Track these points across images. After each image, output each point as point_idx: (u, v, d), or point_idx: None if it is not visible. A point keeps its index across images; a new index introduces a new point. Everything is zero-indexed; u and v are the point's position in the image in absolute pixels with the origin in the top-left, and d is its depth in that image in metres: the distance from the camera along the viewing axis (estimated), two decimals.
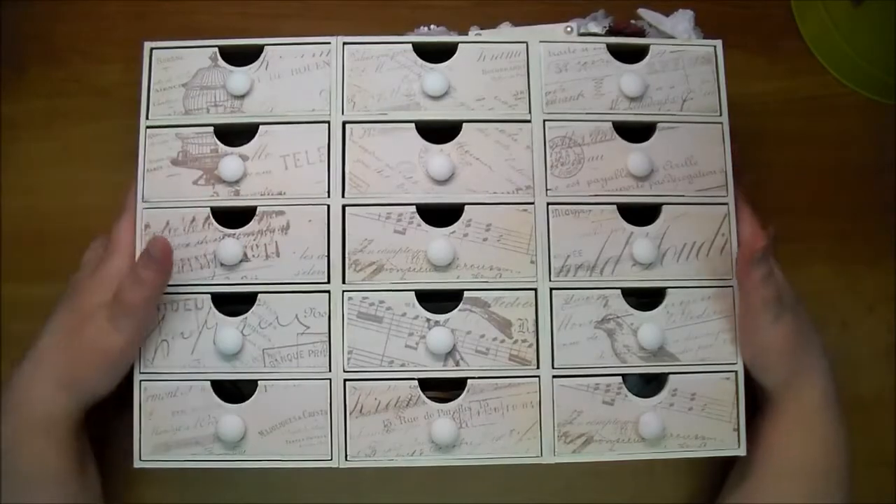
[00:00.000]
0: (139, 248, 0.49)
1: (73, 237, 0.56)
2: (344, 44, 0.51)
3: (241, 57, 0.51)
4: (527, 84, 0.51)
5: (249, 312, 0.49)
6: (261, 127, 0.51)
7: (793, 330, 0.49)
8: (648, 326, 0.49)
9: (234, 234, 0.50)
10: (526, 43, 0.52)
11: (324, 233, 0.50)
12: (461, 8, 0.62)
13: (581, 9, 0.56)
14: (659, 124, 0.51)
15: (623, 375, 0.50)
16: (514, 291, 0.50)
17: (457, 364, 0.49)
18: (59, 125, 0.60)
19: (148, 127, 0.51)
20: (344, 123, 0.51)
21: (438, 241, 0.49)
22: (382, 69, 0.51)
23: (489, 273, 0.50)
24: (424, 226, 0.50)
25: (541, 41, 0.52)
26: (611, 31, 0.54)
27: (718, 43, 0.52)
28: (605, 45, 0.52)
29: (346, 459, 0.49)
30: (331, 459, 0.49)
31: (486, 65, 0.51)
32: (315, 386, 0.49)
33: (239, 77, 0.50)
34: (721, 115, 0.52)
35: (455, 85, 0.51)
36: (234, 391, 0.50)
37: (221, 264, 0.49)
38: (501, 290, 0.50)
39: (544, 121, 0.51)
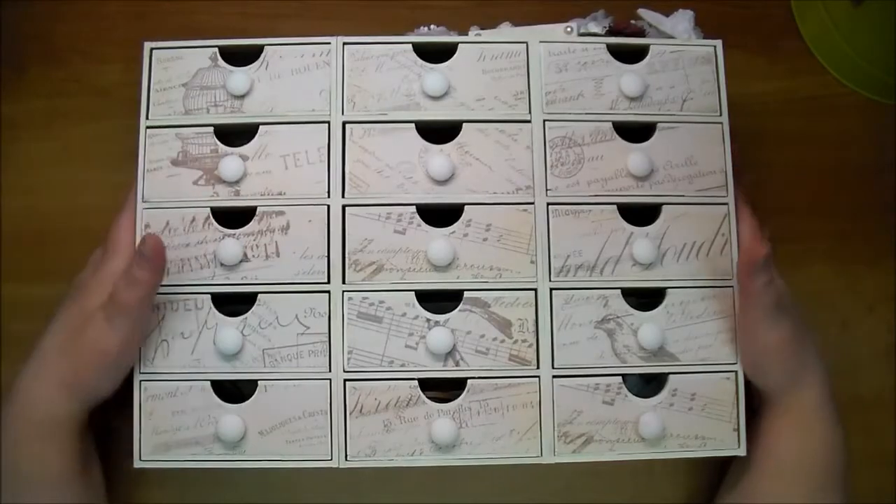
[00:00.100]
0: None
1: (73, 237, 0.56)
2: (344, 44, 0.51)
3: (241, 57, 0.51)
4: (527, 84, 0.51)
5: (249, 312, 0.49)
6: (261, 127, 0.51)
7: (792, 334, 0.49)
8: (648, 326, 0.50)
9: (234, 235, 0.50)
10: (526, 43, 0.52)
11: (324, 233, 0.50)
12: (461, 8, 0.61)
13: (581, 9, 0.56)
14: (659, 124, 0.51)
15: (623, 375, 0.50)
16: (514, 291, 0.50)
17: (457, 364, 0.49)
18: (59, 125, 0.60)
19: (148, 127, 0.51)
20: (344, 123, 0.51)
21: (438, 241, 0.49)
22: (382, 69, 0.51)
23: (489, 273, 0.50)
24: (424, 226, 0.50)
25: (541, 41, 0.52)
26: (611, 31, 0.54)
27: (718, 43, 0.52)
28: (605, 46, 0.52)
29: (346, 459, 0.49)
30: (331, 459, 0.49)
31: (486, 65, 0.51)
32: (315, 386, 0.49)
33: (239, 77, 0.50)
34: (721, 115, 0.52)
35: (455, 85, 0.51)
36: (234, 391, 0.50)
37: (221, 264, 0.49)
38: (501, 290, 0.50)
39: (544, 121, 0.51)
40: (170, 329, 0.49)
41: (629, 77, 0.51)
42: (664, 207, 0.51)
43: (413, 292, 0.50)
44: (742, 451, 0.50)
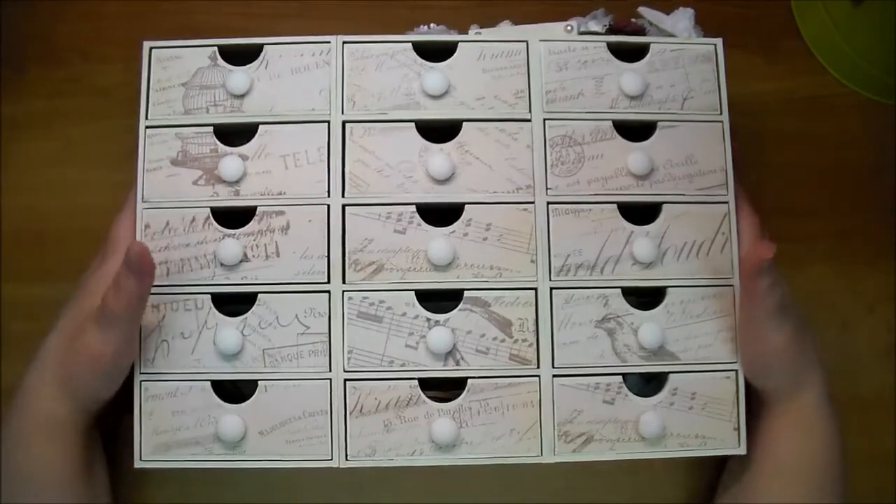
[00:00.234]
0: None
1: (73, 237, 0.56)
2: (344, 43, 0.51)
3: (240, 56, 0.51)
4: (527, 83, 0.51)
5: (249, 312, 0.49)
6: (260, 126, 0.50)
7: (794, 335, 0.49)
8: (648, 326, 0.49)
9: (234, 235, 0.50)
10: (526, 42, 0.52)
11: (324, 233, 0.50)
12: (461, 8, 0.61)
13: (581, 9, 0.56)
14: (659, 123, 0.51)
15: (623, 375, 0.50)
16: (515, 291, 0.50)
17: (457, 364, 0.49)
18: (59, 125, 0.60)
19: (147, 127, 0.50)
20: (344, 123, 0.51)
21: (438, 240, 0.49)
22: (382, 68, 0.51)
23: (489, 273, 0.50)
24: (424, 225, 0.50)
25: (541, 40, 0.52)
26: (611, 30, 0.54)
27: (719, 41, 0.52)
28: (605, 44, 0.52)
29: (346, 459, 0.49)
30: (331, 459, 0.49)
31: (486, 64, 0.51)
32: (315, 386, 0.49)
33: (238, 76, 0.50)
34: (721, 113, 0.52)
35: (455, 84, 0.51)
36: (234, 391, 0.50)
37: (221, 264, 0.49)
38: (501, 289, 0.50)
39: (544, 120, 0.51)
40: (170, 329, 0.49)
41: (629, 76, 0.51)
42: (664, 206, 0.51)
43: (413, 292, 0.49)
44: (742, 450, 0.50)
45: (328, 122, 0.50)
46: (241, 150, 0.50)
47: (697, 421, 0.50)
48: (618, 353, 0.50)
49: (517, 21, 0.55)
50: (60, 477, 0.47)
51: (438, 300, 0.50)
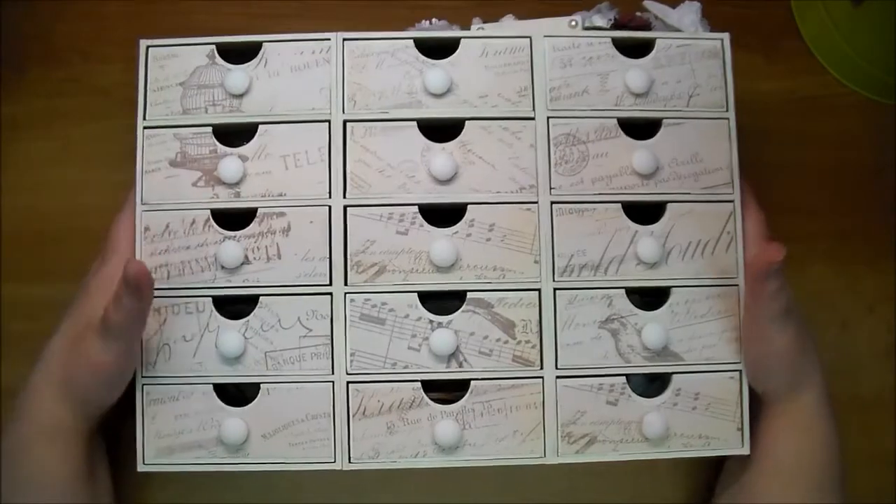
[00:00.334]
0: (139, 251, 0.49)
1: (73, 237, 0.56)
2: (344, 40, 0.51)
3: (238, 54, 0.51)
4: (530, 80, 0.51)
5: (251, 315, 0.49)
6: (260, 126, 0.50)
7: (796, 337, 0.49)
8: (652, 326, 0.49)
9: (235, 237, 0.49)
10: (530, 38, 0.51)
11: (325, 234, 0.49)
12: (461, 8, 0.61)
13: (584, 4, 0.55)
14: (664, 121, 0.51)
15: (627, 375, 0.50)
16: (518, 292, 0.50)
17: (460, 365, 0.49)
18: (59, 125, 0.59)
19: (145, 127, 0.50)
20: (345, 122, 0.50)
21: (441, 241, 0.49)
22: (383, 66, 0.51)
23: (492, 273, 0.50)
24: (427, 226, 0.50)
25: (545, 35, 0.51)
26: (616, 24, 0.53)
27: (725, 36, 0.52)
28: (610, 40, 0.51)
29: (349, 461, 0.49)
30: (334, 462, 0.49)
31: (488, 60, 0.51)
32: (318, 388, 0.49)
33: (237, 75, 0.50)
34: (728, 110, 0.51)
35: (457, 81, 0.51)
36: (236, 394, 0.50)
37: (222, 267, 0.49)
38: (505, 290, 0.50)
39: (548, 118, 0.50)
40: (171, 332, 0.49)
41: (635, 72, 0.50)
42: (669, 205, 0.50)
43: (416, 293, 0.49)
44: (746, 451, 0.50)
45: (329, 121, 0.50)
46: (241, 150, 0.50)
47: (701, 421, 0.50)
48: (621, 353, 0.50)
49: (520, 17, 0.55)
50: (62, 479, 0.47)
51: (441, 301, 0.49)
